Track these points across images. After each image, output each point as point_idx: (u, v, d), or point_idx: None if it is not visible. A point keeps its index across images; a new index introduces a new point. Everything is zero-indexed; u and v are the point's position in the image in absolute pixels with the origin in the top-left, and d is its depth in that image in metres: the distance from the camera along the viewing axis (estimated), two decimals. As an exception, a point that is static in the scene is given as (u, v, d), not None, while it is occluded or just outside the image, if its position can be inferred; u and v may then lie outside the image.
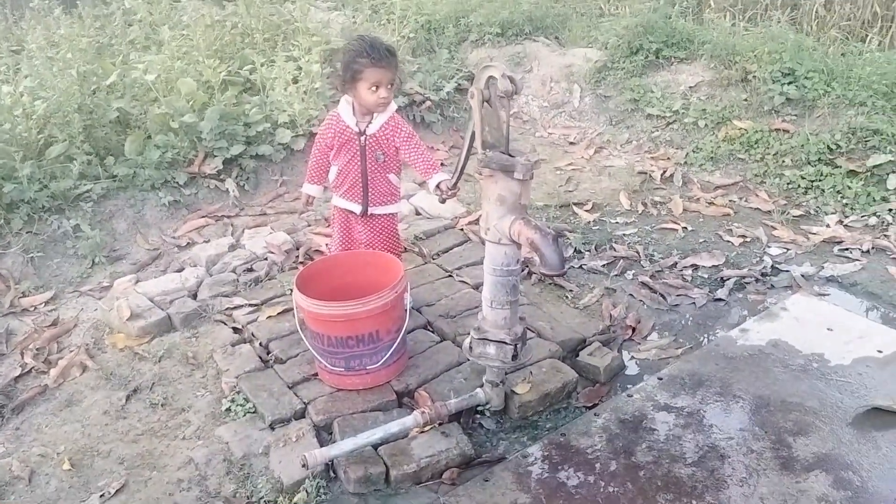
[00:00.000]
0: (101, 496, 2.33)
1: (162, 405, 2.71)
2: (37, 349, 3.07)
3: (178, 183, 4.04)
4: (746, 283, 3.37)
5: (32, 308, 3.34)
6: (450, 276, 3.45)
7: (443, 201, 2.78)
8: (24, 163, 3.67)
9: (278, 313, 3.14)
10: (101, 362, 2.97)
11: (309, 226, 3.94)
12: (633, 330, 3.09)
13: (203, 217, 4.00)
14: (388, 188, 2.95)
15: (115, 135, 4.17)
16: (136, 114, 4.28)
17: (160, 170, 3.99)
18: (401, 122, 2.85)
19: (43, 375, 2.93)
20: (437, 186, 2.75)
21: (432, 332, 3.05)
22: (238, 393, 2.70)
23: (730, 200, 4.09)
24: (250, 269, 3.51)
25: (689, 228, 3.84)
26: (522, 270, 3.08)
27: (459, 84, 5.31)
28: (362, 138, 2.81)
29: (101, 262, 3.60)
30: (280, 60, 4.66)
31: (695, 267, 3.50)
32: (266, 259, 3.59)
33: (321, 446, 2.39)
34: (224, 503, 2.29)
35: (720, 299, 3.26)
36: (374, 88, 2.69)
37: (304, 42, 4.81)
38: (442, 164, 4.63)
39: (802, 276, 3.37)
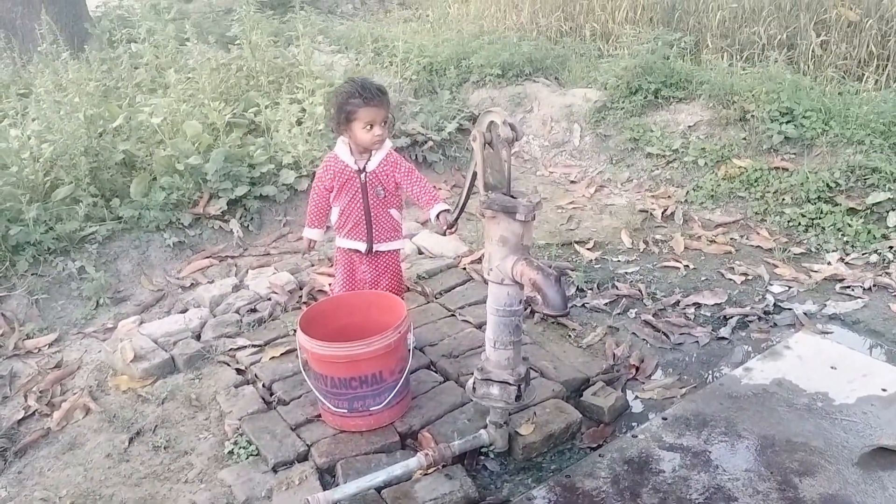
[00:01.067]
0: (102, 541, 2.32)
1: (165, 448, 2.70)
2: (40, 392, 3.07)
3: (182, 224, 4.08)
4: (749, 321, 3.37)
5: (36, 350, 3.35)
6: (452, 315, 3.45)
7: (443, 233, 2.82)
8: (31, 205, 3.71)
9: (281, 354, 3.14)
10: (104, 405, 2.96)
11: (312, 266, 3.95)
12: (637, 369, 3.08)
13: (207, 258, 4.02)
14: (391, 224, 3.00)
15: (121, 177, 4.21)
16: (141, 156, 4.33)
17: (165, 211, 4.02)
18: (399, 158, 2.92)
19: (46, 418, 2.92)
20: (437, 217, 2.81)
21: (435, 372, 3.04)
22: (241, 435, 2.69)
23: (731, 238, 4.10)
24: (254, 310, 3.52)
25: (691, 266, 3.85)
26: (525, 309, 3.09)
27: (461, 124, 5.37)
28: (362, 175, 2.86)
29: (106, 304, 3.62)
30: (284, 102, 4.73)
31: (697, 305, 3.51)
32: (269, 299, 3.60)
33: (324, 489, 2.37)
34: (226, 548, 2.27)
35: (723, 338, 3.26)
36: (368, 127, 2.76)
37: (308, 84, 4.88)
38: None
39: (805, 314, 3.38)
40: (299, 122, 4.70)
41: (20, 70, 5.76)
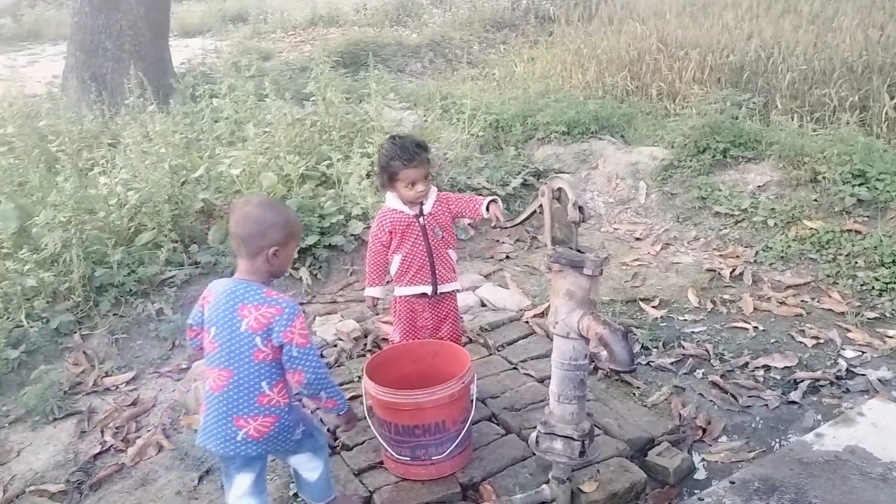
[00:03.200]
0: (170, 576, 2.38)
1: (232, 488, 2.76)
2: (116, 428, 3.19)
3: (255, 270, 4.21)
4: (821, 385, 3.28)
5: (114, 387, 3.49)
6: (514, 368, 3.46)
7: (501, 226, 2.95)
8: (116, 249, 3.91)
9: (348, 398, 3.17)
10: (176, 443, 3.07)
11: (378, 314, 4.03)
12: (704, 431, 3.03)
13: (277, 304, 4.14)
14: (450, 264, 3.10)
15: (200, 224, 4.41)
16: (219, 205, 4.52)
17: (239, 258, 4.17)
18: (445, 194, 3.09)
19: (121, 454, 3.04)
20: (488, 208, 2.94)
21: (497, 424, 3.05)
22: (306, 478, 2.74)
23: (801, 301, 4.02)
24: (320, 356, 3.60)
25: (760, 328, 3.78)
26: (589, 365, 3.09)
27: (525, 180, 5.44)
28: (421, 219, 2.96)
29: (181, 345, 3.75)
30: (355, 156, 4.90)
31: (766, 368, 3.44)
32: (335, 346, 3.69)
33: (386, 536, 2.39)
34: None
35: (794, 402, 3.18)
36: (410, 185, 2.88)
37: (378, 139, 5.04)
38: (508, 256, 4.73)
39: (879, 380, 3.27)
40: (368, 175, 4.84)
41: (108, 121, 6.10)
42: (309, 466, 2.42)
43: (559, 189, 2.34)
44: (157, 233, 4.12)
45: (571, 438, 2.40)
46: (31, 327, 3.63)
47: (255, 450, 2.22)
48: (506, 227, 2.88)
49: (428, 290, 3.03)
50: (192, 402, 3.23)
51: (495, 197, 3.01)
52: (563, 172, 5.51)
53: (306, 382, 2.20)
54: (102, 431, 3.18)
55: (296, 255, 4.29)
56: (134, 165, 4.52)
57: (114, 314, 3.82)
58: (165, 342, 3.76)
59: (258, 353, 2.15)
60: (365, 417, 2.83)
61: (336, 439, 2.94)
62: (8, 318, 3.64)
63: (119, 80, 6.74)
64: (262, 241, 2.19)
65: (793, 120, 5.75)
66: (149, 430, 3.15)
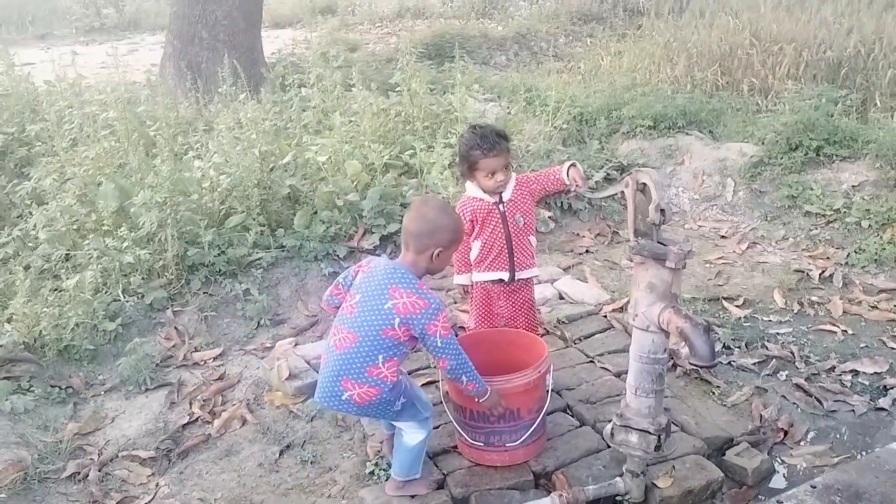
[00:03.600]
0: (251, 543, 2.48)
1: (311, 463, 2.87)
2: (203, 400, 3.34)
3: (338, 255, 4.33)
4: (913, 393, 3.15)
5: (202, 362, 3.65)
6: (591, 361, 3.44)
7: (587, 189, 2.93)
8: (207, 230, 4.07)
9: (423, 384, 3.23)
10: (259, 417, 3.19)
11: (455, 303, 4.07)
12: (785, 433, 2.96)
13: (358, 289, 4.23)
14: (530, 250, 3.11)
15: (286, 209, 4.54)
16: (305, 191, 4.65)
17: (323, 243, 4.29)
18: (524, 178, 3.07)
19: (207, 425, 3.18)
20: (568, 173, 2.91)
21: (571, 416, 3.05)
22: (382, 458, 2.82)
23: (895, 305, 3.85)
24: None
25: (850, 332, 3.64)
26: (668, 361, 3.05)
27: (608, 174, 5.37)
28: (501, 206, 2.97)
29: (266, 325, 3.89)
30: (438, 146, 4.94)
31: (854, 372, 3.32)
32: (413, 332, 3.73)
33: (458, 518, 2.43)
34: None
35: (882, 409, 3.07)
36: (490, 175, 2.89)
37: (462, 130, 5.07)
38: (587, 250, 4.69)
39: (979, 391, 3.12)
40: (450, 165, 4.88)
41: (203, 108, 6.32)
42: (411, 431, 2.55)
43: (643, 183, 2.33)
44: (245, 216, 4.27)
45: (647, 432, 2.39)
46: (128, 301, 3.83)
47: (356, 412, 2.48)
48: (586, 196, 2.85)
49: (505, 276, 3.05)
50: (274, 379, 3.34)
51: (574, 161, 2.97)
52: (648, 167, 5.42)
53: (449, 368, 2.43)
54: (191, 403, 3.34)
55: (377, 242, 4.40)
56: (226, 151, 4.68)
57: (204, 292, 3.99)
58: (251, 321, 3.90)
59: (389, 330, 2.35)
60: (441, 402, 2.88)
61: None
62: (106, 292, 3.84)
63: (213, 68, 6.93)
64: (430, 241, 2.44)
65: (892, 118, 5.49)
66: (234, 405, 3.28)
